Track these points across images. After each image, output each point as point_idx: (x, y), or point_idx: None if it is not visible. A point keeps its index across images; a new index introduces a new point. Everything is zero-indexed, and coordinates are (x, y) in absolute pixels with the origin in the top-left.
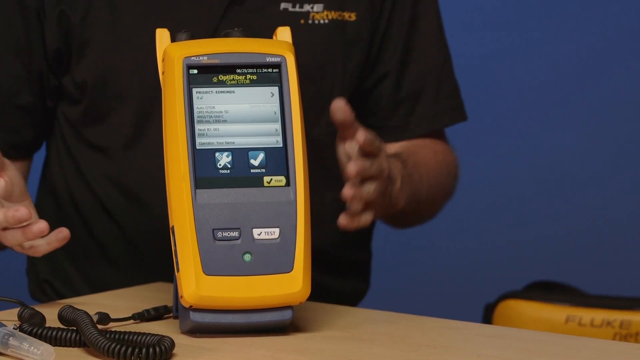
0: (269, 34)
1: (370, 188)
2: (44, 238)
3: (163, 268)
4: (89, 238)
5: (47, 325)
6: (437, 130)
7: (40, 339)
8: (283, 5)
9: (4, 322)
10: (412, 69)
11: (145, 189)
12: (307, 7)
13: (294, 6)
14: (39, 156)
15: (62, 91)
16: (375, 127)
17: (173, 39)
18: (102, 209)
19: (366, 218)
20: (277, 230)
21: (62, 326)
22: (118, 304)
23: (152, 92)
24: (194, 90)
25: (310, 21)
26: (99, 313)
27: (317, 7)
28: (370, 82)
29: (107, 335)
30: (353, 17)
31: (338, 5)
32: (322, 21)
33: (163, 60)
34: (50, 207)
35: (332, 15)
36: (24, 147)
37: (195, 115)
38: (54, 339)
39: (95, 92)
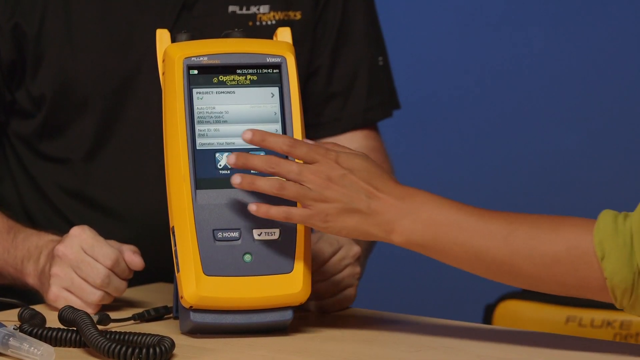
0: (217, 37)
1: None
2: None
3: (139, 274)
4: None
5: (47, 325)
6: (369, 124)
7: (40, 340)
8: (231, 8)
9: (4, 323)
10: (342, 64)
11: (110, 198)
12: (253, 9)
13: (241, 9)
14: None
15: (14, 106)
16: (308, 124)
17: (173, 40)
18: (64, 221)
19: (347, 299)
20: (277, 231)
21: (62, 327)
22: (118, 305)
23: (112, 100)
24: (194, 90)
25: (257, 23)
26: (99, 313)
27: (264, 9)
28: (303, 77)
29: (107, 336)
30: (298, 16)
31: (284, 5)
32: (269, 22)
33: (163, 60)
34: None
35: (279, 15)
36: None
37: (196, 115)
38: (54, 339)
39: (54, 105)
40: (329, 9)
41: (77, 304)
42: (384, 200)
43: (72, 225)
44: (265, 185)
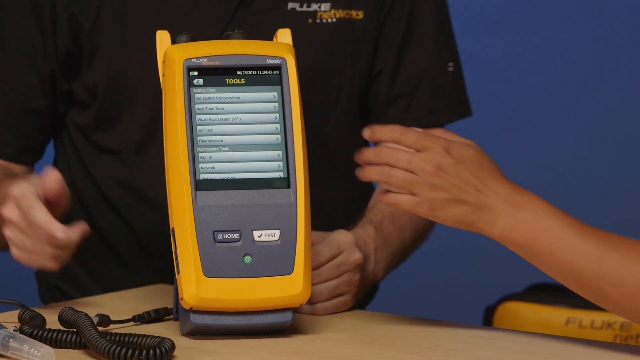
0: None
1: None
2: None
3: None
4: (100, 241)
5: (47, 327)
6: (434, 126)
7: (40, 341)
8: (290, 5)
9: (4, 324)
10: (406, 66)
11: (157, 191)
12: (314, 7)
13: (301, 6)
14: (45, 163)
15: (72, 96)
16: (372, 124)
17: (174, 41)
18: (114, 211)
19: (341, 304)
20: (277, 232)
21: (62, 328)
22: (118, 306)
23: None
24: (194, 92)
25: (317, 20)
26: (99, 315)
27: (325, 6)
28: (366, 79)
29: (108, 337)
30: (361, 15)
31: (345, 4)
32: (329, 20)
33: (163, 62)
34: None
35: (340, 14)
36: (33, 152)
37: (196, 116)
38: (55, 340)
39: (106, 97)
40: (395, 10)
41: (34, 262)
42: (492, 195)
43: (121, 216)
44: (374, 174)
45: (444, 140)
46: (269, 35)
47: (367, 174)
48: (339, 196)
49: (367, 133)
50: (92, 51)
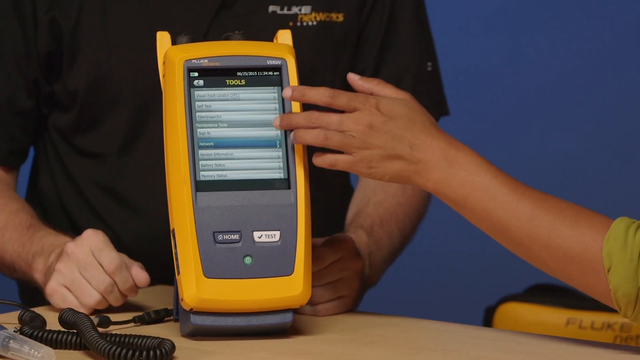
0: (258, 37)
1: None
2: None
3: (160, 272)
4: None
5: (47, 328)
6: None
7: (40, 342)
8: (271, 8)
9: (4, 325)
10: (387, 67)
11: (139, 194)
12: (295, 10)
13: (282, 9)
14: (26, 166)
15: (54, 98)
16: None
17: (174, 42)
18: (95, 215)
19: (342, 306)
20: (277, 233)
21: (62, 329)
22: (118, 307)
23: (146, 97)
24: (195, 93)
25: (298, 23)
26: (99, 316)
27: (305, 9)
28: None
29: (108, 338)
30: (341, 17)
31: (326, 7)
32: (310, 23)
33: (164, 63)
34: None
35: (320, 16)
36: (20, 155)
37: (196, 117)
38: (55, 341)
39: (88, 99)
40: (375, 12)
41: (72, 302)
42: (426, 149)
43: (103, 220)
44: (310, 137)
45: (373, 99)
46: (250, 38)
47: (301, 137)
48: (320, 196)
49: (287, 92)
50: (73, 53)
